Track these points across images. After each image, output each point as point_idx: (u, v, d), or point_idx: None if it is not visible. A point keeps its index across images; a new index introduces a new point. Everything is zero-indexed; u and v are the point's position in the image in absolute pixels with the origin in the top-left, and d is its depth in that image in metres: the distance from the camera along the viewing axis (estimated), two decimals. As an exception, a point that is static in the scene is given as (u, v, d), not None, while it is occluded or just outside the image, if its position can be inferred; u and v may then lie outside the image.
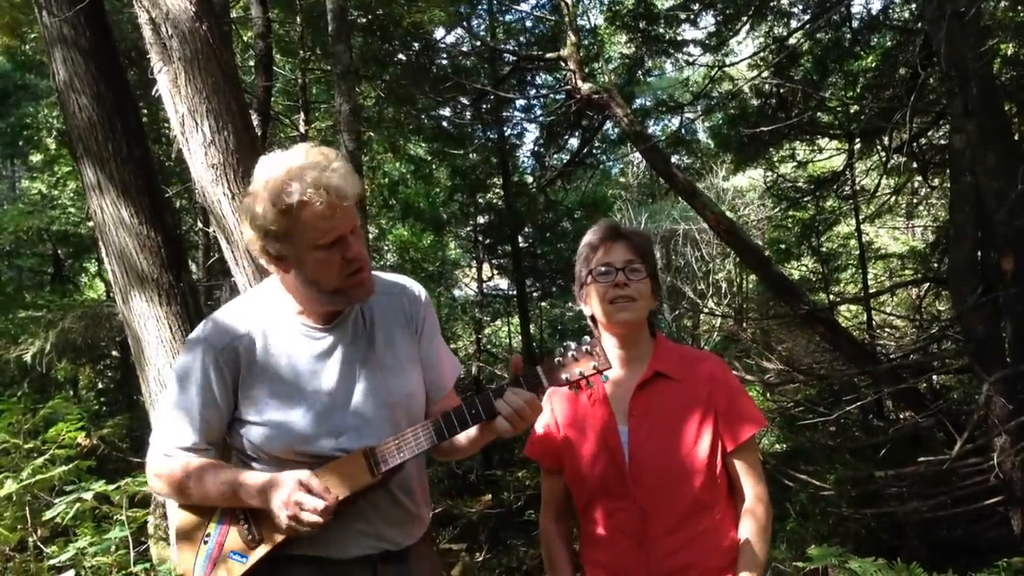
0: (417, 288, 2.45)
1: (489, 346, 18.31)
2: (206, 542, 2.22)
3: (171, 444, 2.23)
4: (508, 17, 15.09)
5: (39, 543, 4.81)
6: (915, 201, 13.23)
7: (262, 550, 2.16)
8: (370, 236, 14.88)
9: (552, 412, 2.59)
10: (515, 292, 16.26)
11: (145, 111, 8.72)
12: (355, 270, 2.14)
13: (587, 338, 2.08)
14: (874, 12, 10.36)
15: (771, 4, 9.90)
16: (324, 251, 2.09)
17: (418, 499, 2.34)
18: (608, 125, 12.98)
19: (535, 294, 16.94)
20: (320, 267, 2.12)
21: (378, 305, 2.34)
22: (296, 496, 2.03)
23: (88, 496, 4.43)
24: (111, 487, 4.61)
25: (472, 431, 2.20)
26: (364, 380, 2.24)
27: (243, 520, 2.19)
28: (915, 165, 9.75)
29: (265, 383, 2.21)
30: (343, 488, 2.10)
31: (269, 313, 2.27)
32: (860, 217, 12.22)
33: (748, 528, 2.39)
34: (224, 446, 2.32)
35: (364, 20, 11.33)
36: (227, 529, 2.21)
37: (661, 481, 2.37)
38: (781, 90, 10.00)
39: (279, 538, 2.14)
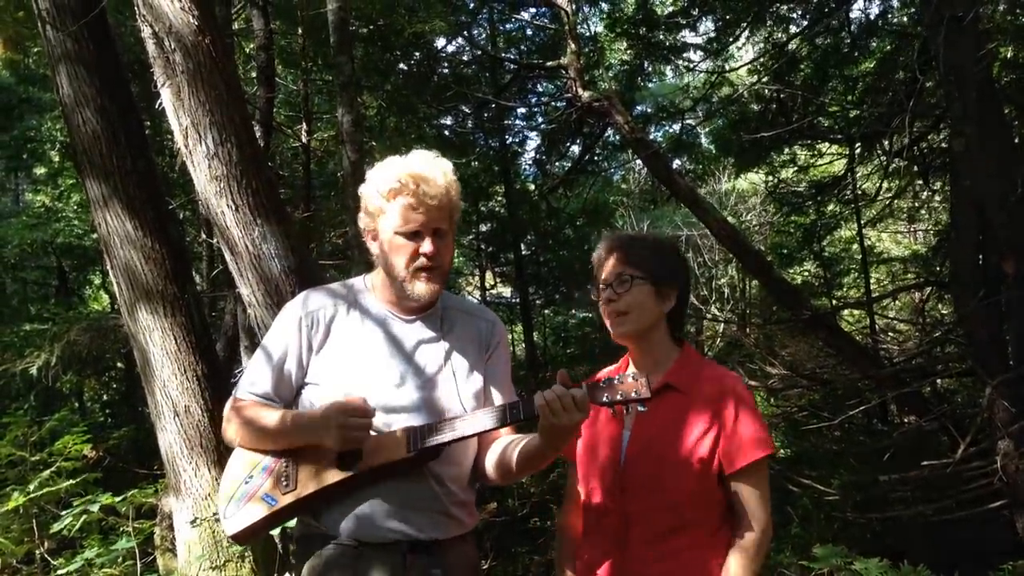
0: (495, 317, 2.67)
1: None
2: (247, 482, 2.41)
3: (246, 390, 2.48)
4: (508, 26, 15.11)
5: (46, 555, 4.84)
6: (916, 205, 13.24)
7: (290, 498, 2.32)
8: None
9: None
10: (518, 300, 16.28)
11: (148, 123, 8.76)
12: (423, 267, 2.37)
13: (635, 370, 2.17)
14: (872, 17, 10.33)
15: (770, 9, 9.92)
16: (403, 238, 2.36)
17: (454, 498, 2.40)
18: (609, 132, 13.00)
19: (538, 301, 16.94)
20: (395, 251, 2.38)
21: (459, 320, 2.56)
22: (340, 406, 2.23)
23: (95, 508, 4.47)
24: (117, 499, 4.65)
25: (519, 445, 2.30)
26: (428, 373, 2.42)
27: (284, 467, 2.38)
28: (916, 169, 9.76)
29: (335, 350, 2.43)
30: (377, 457, 2.26)
31: (358, 295, 2.53)
32: (862, 221, 12.22)
33: (734, 558, 2.33)
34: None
35: (365, 31, 11.36)
36: (268, 475, 2.40)
37: (647, 490, 2.36)
38: (781, 95, 10.01)
39: (310, 490, 2.30)
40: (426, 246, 2.34)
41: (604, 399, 2.10)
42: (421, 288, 2.37)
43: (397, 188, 2.33)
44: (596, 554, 2.45)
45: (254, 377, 2.47)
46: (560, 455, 2.69)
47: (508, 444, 2.37)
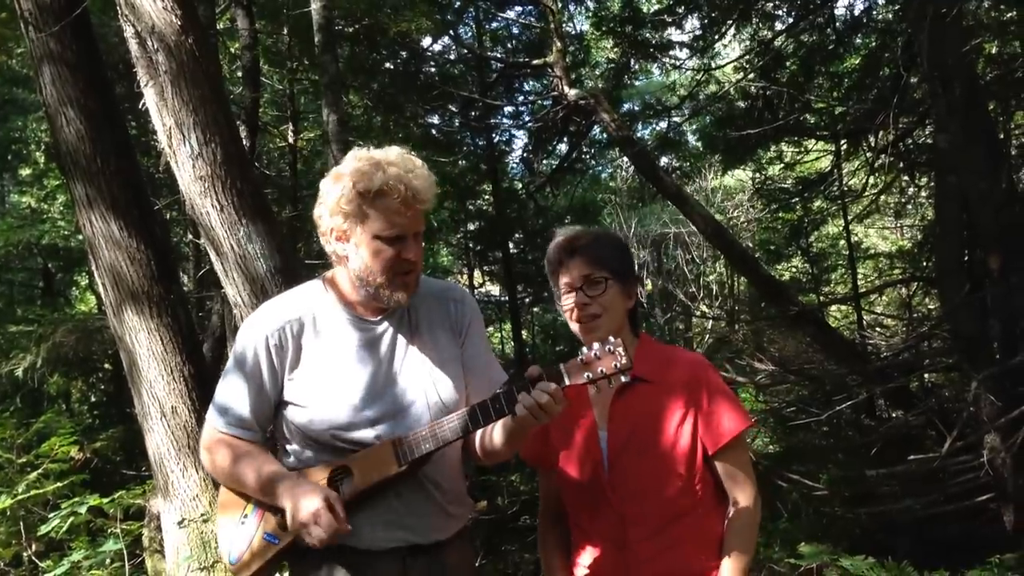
0: (463, 293, 2.55)
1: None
2: (243, 522, 2.33)
3: (221, 421, 2.35)
4: (494, 24, 15.09)
5: (34, 558, 4.82)
6: (902, 200, 13.28)
7: (292, 534, 2.23)
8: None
9: None
10: (506, 298, 16.26)
11: (133, 123, 8.72)
12: (405, 271, 2.24)
13: (612, 338, 2.06)
14: (857, 13, 10.37)
15: (756, 7, 9.93)
16: (384, 243, 2.20)
17: (450, 495, 2.36)
18: (596, 130, 13.01)
19: (527, 300, 16.92)
20: (374, 258, 2.21)
21: (425, 307, 2.41)
22: (316, 509, 2.10)
23: (82, 510, 4.44)
24: (105, 500, 4.63)
25: (500, 431, 2.23)
26: (405, 374, 2.32)
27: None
28: (901, 165, 9.79)
29: (311, 368, 2.30)
30: (369, 476, 2.18)
31: (320, 302, 2.36)
32: (848, 217, 12.26)
33: (731, 533, 2.38)
34: (270, 431, 2.44)
35: (351, 30, 11.34)
36: (264, 511, 2.31)
37: (639, 487, 2.36)
38: (767, 92, 10.04)
39: None
40: (409, 251, 2.23)
41: (586, 376, 2.06)
42: (401, 296, 2.25)
43: (385, 191, 2.16)
44: (595, 559, 2.43)
45: (227, 406, 2.35)
46: (529, 462, 2.67)
47: (488, 427, 2.28)
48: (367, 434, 2.24)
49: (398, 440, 2.19)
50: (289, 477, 2.23)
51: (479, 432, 2.33)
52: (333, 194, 2.23)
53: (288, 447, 2.36)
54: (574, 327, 2.48)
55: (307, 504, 2.11)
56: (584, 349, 2.08)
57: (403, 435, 2.21)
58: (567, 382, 2.08)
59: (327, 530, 2.08)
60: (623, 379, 2.08)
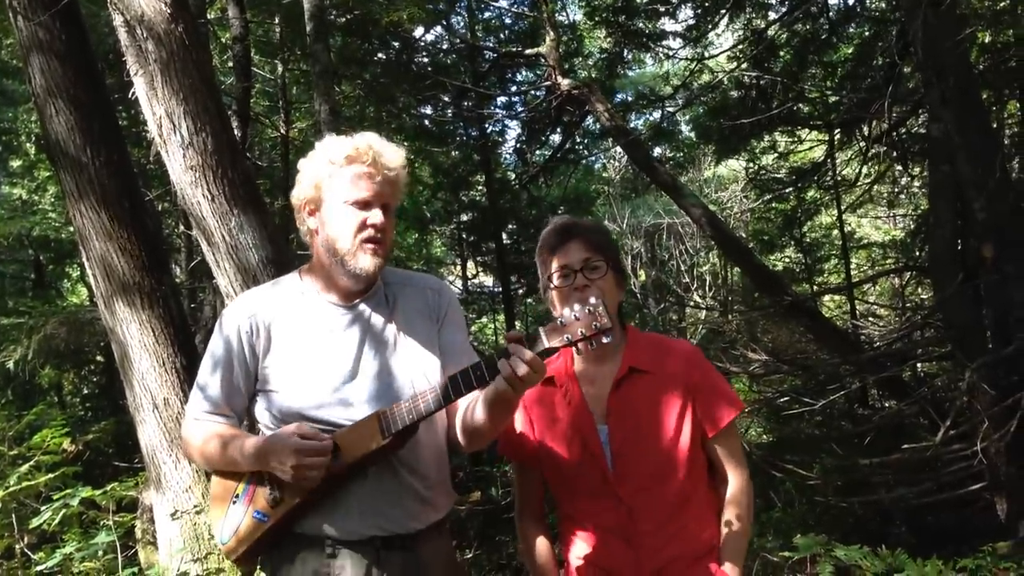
0: (441, 284, 2.59)
1: (475, 343, 18.22)
2: (235, 502, 2.36)
3: (198, 409, 2.43)
4: (487, 14, 15.05)
5: (26, 550, 4.79)
6: (896, 190, 13.28)
7: (281, 510, 2.27)
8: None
9: (527, 413, 2.54)
10: (500, 289, 16.24)
11: (123, 113, 8.66)
12: (370, 238, 2.29)
13: (592, 299, 1.99)
14: (851, 2, 10.37)
15: (749, -4, 9.93)
16: (351, 208, 2.28)
17: (427, 482, 2.35)
18: (589, 120, 12.98)
19: (520, 291, 16.90)
20: (343, 223, 2.29)
21: (402, 293, 2.46)
22: (294, 443, 2.14)
23: (74, 502, 4.42)
24: (98, 492, 4.60)
25: (481, 404, 2.18)
26: (379, 357, 2.34)
27: (267, 482, 2.30)
28: (895, 154, 9.80)
29: (285, 353, 2.35)
30: (356, 449, 2.18)
31: (295, 290, 2.44)
32: (842, 207, 12.27)
33: (731, 515, 2.40)
34: (250, 420, 2.49)
35: (342, 20, 11.29)
36: (253, 490, 2.34)
37: (647, 479, 2.36)
38: (761, 81, 10.03)
39: (297, 499, 2.24)
40: (375, 216, 2.28)
41: (565, 338, 1.98)
42: (366, 261, 2.28)
43: (353, 155, 2.28)
44: (603, 553, 2.42)
45: (204, 393, 2.42)
46: (513, 459, 2.63)
47: (468, 407, 2.27)
48: (339, 416, 2.26)
49: (381, 413, 2.19)
50: (264, 439, 2.27)
51: (462, 411, 2.31)
52: (306, 168, 2.37)
53: (266, 433, 2.37)
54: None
55: (286, 445, 2.15)
56: (566, 311, 2.01)
57: (386, 408, 2.20)
58: (546, 344, 2.02)
59: (319, 452, 2.12)
60: (605, 340, 1.98)
